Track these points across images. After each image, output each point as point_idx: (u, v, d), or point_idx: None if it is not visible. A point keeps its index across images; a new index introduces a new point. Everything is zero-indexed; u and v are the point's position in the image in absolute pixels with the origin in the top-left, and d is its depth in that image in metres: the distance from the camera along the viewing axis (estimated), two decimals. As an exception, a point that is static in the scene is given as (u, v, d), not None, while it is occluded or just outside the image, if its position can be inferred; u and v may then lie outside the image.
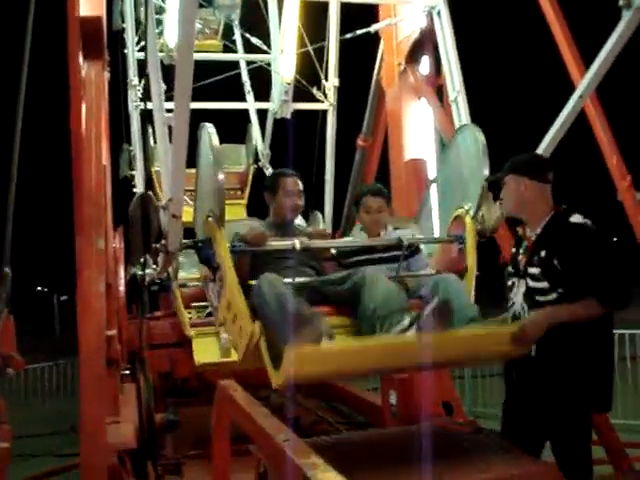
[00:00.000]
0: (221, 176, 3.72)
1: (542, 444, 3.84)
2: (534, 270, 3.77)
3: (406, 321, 3.63)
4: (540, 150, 5.69)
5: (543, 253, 3.75)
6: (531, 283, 3.79)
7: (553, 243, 3.74)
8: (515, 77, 36.67)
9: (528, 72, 35.52)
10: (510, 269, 4.01)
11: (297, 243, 4.04)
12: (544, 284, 3.72)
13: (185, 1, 2.87)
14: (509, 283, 3.99)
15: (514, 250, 4.06)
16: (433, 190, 5.13)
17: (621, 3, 4.88)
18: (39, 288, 51.50)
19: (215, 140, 3.82)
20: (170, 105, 4.59)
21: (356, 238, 4.73)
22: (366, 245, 4.54)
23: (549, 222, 3.84)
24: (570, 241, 3.67)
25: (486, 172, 4.23)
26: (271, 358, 3.60)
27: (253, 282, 4.01)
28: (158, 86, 4.40)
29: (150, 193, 4.14)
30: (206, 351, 6.32)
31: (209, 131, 3.86)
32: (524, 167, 3.92)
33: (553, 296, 3.69)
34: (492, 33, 31.46)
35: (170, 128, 3.87)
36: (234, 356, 4.56)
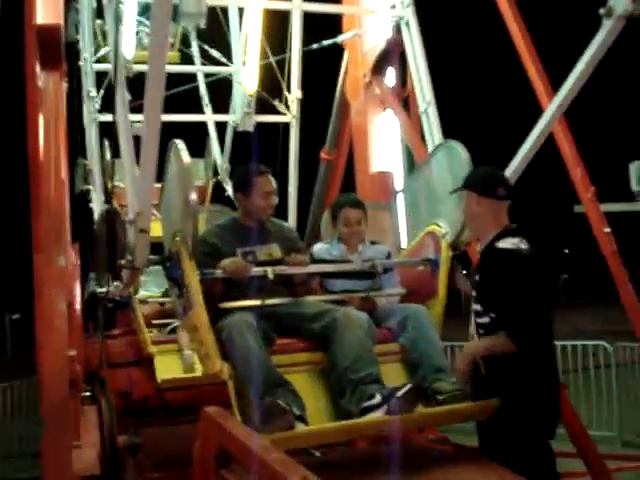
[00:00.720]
0: (193, 196, 3.59)
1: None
2: (474, 292, 3.76)
3: (377, 399, 3.63)
4: (515, 162, 5.58)
5: (477, 276, 3.74)
6: (473, 305, 3.76)
7: (482, 268, 3.72)
8: (483, 88, 37.28)
9: (496, 83, 36.02)
10: None
11: (269, 272, 4.03)
12: (479, 307, 3.69)
13: (159, 10, 2.75)
14: None
15: None
16: (400, 199, 5.06)
17: (602, 11, 4.82)
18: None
19: (186, 157, 3.68)
20: (133, 117, 4.45)
21: (332, 250, 4.61)
22: (341, 271, 4.47)
23: (489, 243, 3.74)
24: (492, 268, 3.64)
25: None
26: (238, 403, 3.70)
27: (223, 305, 3.98)
28: (123, 97, 4.23)
29: (116, 207, 3.97)
30: (168, 368, 6.15)
31: (179, 147, 3.71)
32: (473, 182, 3.83)
33: (486, 319, 3.64)
34: (459, 45, 31.93)
35: (136, 139, 3.72)
36: (198, 372, 4.57)
